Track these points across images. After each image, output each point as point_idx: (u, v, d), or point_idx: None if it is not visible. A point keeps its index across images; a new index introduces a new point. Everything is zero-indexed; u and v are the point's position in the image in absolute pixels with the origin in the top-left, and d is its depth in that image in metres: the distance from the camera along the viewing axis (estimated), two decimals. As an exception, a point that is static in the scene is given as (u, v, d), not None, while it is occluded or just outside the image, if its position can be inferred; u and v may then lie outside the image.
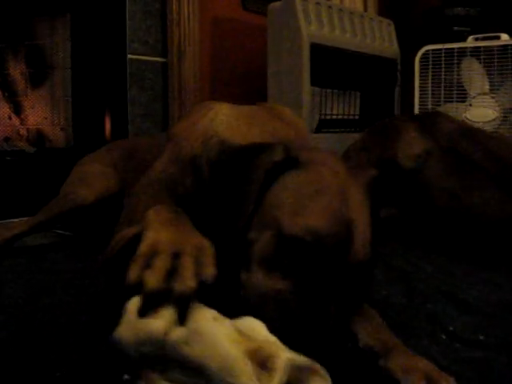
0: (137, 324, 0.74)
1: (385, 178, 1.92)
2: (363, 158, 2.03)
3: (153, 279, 0.75)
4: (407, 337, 1.11)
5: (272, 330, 0.77)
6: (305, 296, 0.85)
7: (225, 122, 1.22)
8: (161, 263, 0.78)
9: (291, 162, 0.95)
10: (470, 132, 1.94)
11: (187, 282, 0.75)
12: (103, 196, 1.73)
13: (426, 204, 1.84)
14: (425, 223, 1.86)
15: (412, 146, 1.91)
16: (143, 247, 0.82)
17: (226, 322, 0.76)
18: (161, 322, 0.73)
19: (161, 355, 0.73)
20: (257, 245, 0.91)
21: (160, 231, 0.86)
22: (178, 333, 0.73)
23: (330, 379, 0.74)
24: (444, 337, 1.13)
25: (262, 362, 0.71)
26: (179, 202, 1.11)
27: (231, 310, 0.80)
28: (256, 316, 0.79)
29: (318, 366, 0.74)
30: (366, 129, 2.20)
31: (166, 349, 0.73)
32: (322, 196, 0.90)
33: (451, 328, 1.16)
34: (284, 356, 0.72)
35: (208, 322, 0.74)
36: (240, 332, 0.75)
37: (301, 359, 0.73)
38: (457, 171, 1.80)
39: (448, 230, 1.79)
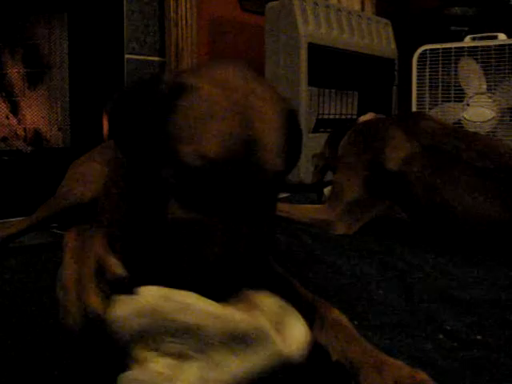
0: (128, 300, 0.77)
1: (374, 178, 1.95)
2: (351, 161, 2.05)
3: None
4: (404, 336, 1.11)
5: (188, 261, 0.83)
6: (213, 222, 0.86)
7: None
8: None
9: (180, 88, 0.92)
10: (453, 131, 1.96)
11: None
12: (99, 194, 1.72)
13: (412, 203, 1.86)
14: (416, 222, 1.87)
15: (398, 150, 1.93)
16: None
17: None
18: (150, 297, 0.76)
19: (152, 327, 0.75)
20: (168, 182, 0.91)
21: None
22: (169, 303, 0.75)
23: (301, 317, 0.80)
24: (441, 336, 1.12)
25: (247, 307, 0.78)
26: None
27: None
28: (177, 249, 0.85)
29: (290, 306, 0.80)
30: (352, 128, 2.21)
31: (158, 320, 0.75)
32: (215, 119, 0.87)
33: (448, 327, 1.16)
34: (265, 297, 0.79)
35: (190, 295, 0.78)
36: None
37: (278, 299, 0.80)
38: (440, 169, 1.82)
39: (435, 228, 1.81)
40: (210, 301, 0.77)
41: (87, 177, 1.75)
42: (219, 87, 0.91)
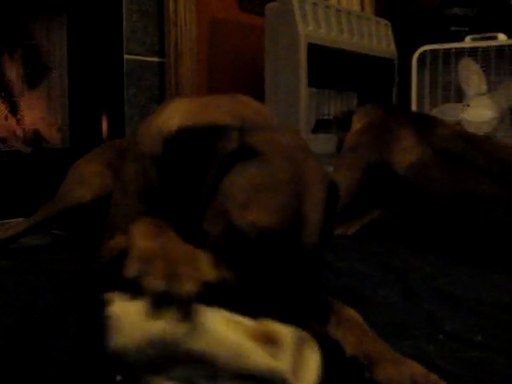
0: (139, 326, 0.74)
1: (377, 180, 1.93)
2: (355, 158, 2.02)
3: (155, 283, 0.77)
4: (404, 337, 1.11)
5: None
6: (248, 288, 0.86)
7: (182, 109, 1.19)
8: (159, 267, 0.80)
9: (246, 150, 0.94)
10: (465, 135, 1.94)
11: (187, 285, 0.77)
12: (100, 195, 1.72)
13: (422, 207, 1.83)
14: (420, 225, 1.85)
15: (407, 153, 1.90)
16: (135, 252, 0.84)
17: (222, 312, 0.77)
18: (164, 323, 0.73)
19: (164, 355, 0.73)
20: (209, 236, 0.92)
21: (147, 242, 0.88)
22: (181, 330, 0.73)
23: (318, 348, 0.77)
24: (441, 337, 1.12)
25: (266, 339, 0.74)
26: (149, 201, 1.12)
27: None
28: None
29: (308, 335, 0.77)
30: (359, 119, 2.17)
31: (169, 347, 0.73)
32: (273, 188, 0.90)
33: (448, 328, 1.15)
34: (285, 329, 0.75)
35: (207, 315, 0.75)
36: (235, 319, 0.76)
37: (297, 331, 0.76)
38: (453, 175, 1.80)
39: (446, 231, 1.78)
40: (229, 325, 0.75)
41: (87, 178, 1.75)
42: (281, 157, 0.93)
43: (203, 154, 0.96)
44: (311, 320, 1.05)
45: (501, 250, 1.68)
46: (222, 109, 1.17)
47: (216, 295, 0.81)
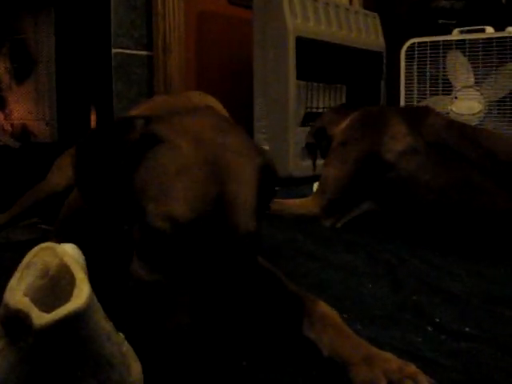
0: None
1: (368, 172, 1.93)
2: (346, 152, 2.03)
3: None
4: (392, 329, 1.11)
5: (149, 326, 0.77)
6: (174, 287, 0.79)
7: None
8: None
9: (151, 138, 0.86)
10: (458, 127, 1.93)
11: None
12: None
13: (411, 199, 1.83)
14: (409, 217, 1.86)
15: (397, 141, 1.90)
16: None
17: None
18: None
19: None
20: (131, 236, 0.85)
21: None
22: None
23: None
24: (430, 328, 1.13)
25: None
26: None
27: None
28: (137, 308, 0.78)
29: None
30: (350, 115, 2.18)
31: None
32: (183, 176, 0.81)
33: (437, 320, 1.16)
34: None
35: None
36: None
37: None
38: (443, 165, 1.80)
39: (435, 224, 1.79)
40: None
41: (63, 167, 1.73)
42: (190, 140, 0.85)
43: (108, 150, 0.89)
44: (284, 320, 1.05)
45: (492, 242, 1.69)
46: (158, 106, 1.15)
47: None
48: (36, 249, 0.74)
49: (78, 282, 0.69)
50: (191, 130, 0.87)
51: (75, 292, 0.67)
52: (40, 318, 0.64)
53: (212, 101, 1.38)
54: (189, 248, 0.79)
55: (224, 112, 1.35)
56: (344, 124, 2.17)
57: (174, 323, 0.77)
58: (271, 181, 0.96)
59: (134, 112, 1.21)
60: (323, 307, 1.03)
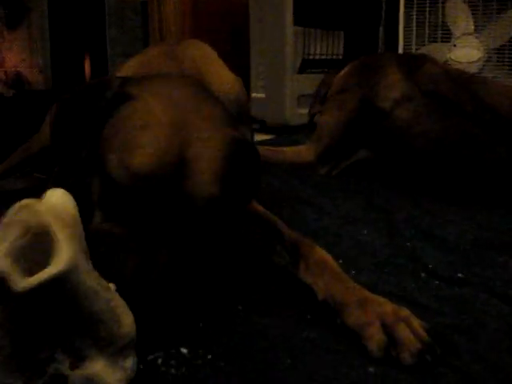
0: None
1: (364, 120, 1.92)
2: (343, 100, 2.02)
3: None
4: (387, 275, 1.13)
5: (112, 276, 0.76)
6: (136, 241, 0.81)
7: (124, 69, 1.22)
8: None
9: (123, 96, 0.89)
10: (456, 77, 1.91)
11: None
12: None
13: (403, 146, 1.83)
14: (403, 165, 1.85)
15: (392, 88, 1.89)
16: None
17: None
18: None
19: None
20: (93, 189, 0.87)
21: None
22: None
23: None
24: (423, 275, 1.14)
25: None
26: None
27: None
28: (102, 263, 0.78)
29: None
30: (349, 63, 2.16)
31: None
32: (147, 131, 0.83)
33: (430, 266, 1.17)
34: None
35: None
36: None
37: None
38: (438, 115, 1.79)
39: (429, 172, 1.79)
40: None
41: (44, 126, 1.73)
42: (161, 101, 0.88)
43: (83, 107, 0.92)
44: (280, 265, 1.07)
45: (487, 191, 1.70)
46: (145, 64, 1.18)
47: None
48: (16, 207, 0.74)
49: (58, 243, 0.69)
50: (165, 93, 0.90)
51: (54, 255, 0.68)
52: (18, 282, 0.65)
53: (207, 50, 1.38)
54: (142, 199, 0.81)
55: (219, 61, 1.35)
56: (342, 72, 2.15)
57: (126, 269, 0.79)
58: (250, 159, 0.97)
59: (121, 70, 1.26)
60: (319, 252, 1.03)
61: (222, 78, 1.32)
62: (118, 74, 1.20)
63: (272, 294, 1.03)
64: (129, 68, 1.26)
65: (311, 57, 3.29)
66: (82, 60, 2.73)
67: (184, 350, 0.82)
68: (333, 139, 1.97)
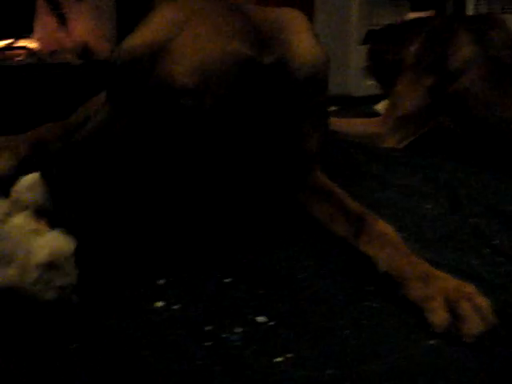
0: None
1: (438, 87, 1.89)
2: (418, 70, 1.99)
3: None
4: (450, 250, 1.12)
5: None
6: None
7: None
8: None
9: None
10: None
11: None
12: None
13: (464, 114, 1.80)
14: (469, 134, 1.82)
15: (458, 52, 1.85)
16: None
17: None
18: None
19: None
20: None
21: None
22: None
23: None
24: (488, 251, 1.13)
25: None
26: None
27: None
28: None
29: None
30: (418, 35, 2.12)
31: None
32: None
33: (494, 242, 1.16)
34: None
35: None
36: None
37: None
38: (498, 82, 1.75)
39: (489, 142, 1.76)
40: None
41: None
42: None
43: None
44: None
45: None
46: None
47: None
48: None
49: None
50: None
51: None
52: None
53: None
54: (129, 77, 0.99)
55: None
56: (416, 45, 2.11)
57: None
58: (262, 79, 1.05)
59: None
60: (382, 225, 1.04)
61: (304, 41, 1.32)
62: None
63: (332, 263, 1.04)
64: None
65: (376, 27, 3.23)
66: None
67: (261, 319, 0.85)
68: (411, 106, 1.93)
